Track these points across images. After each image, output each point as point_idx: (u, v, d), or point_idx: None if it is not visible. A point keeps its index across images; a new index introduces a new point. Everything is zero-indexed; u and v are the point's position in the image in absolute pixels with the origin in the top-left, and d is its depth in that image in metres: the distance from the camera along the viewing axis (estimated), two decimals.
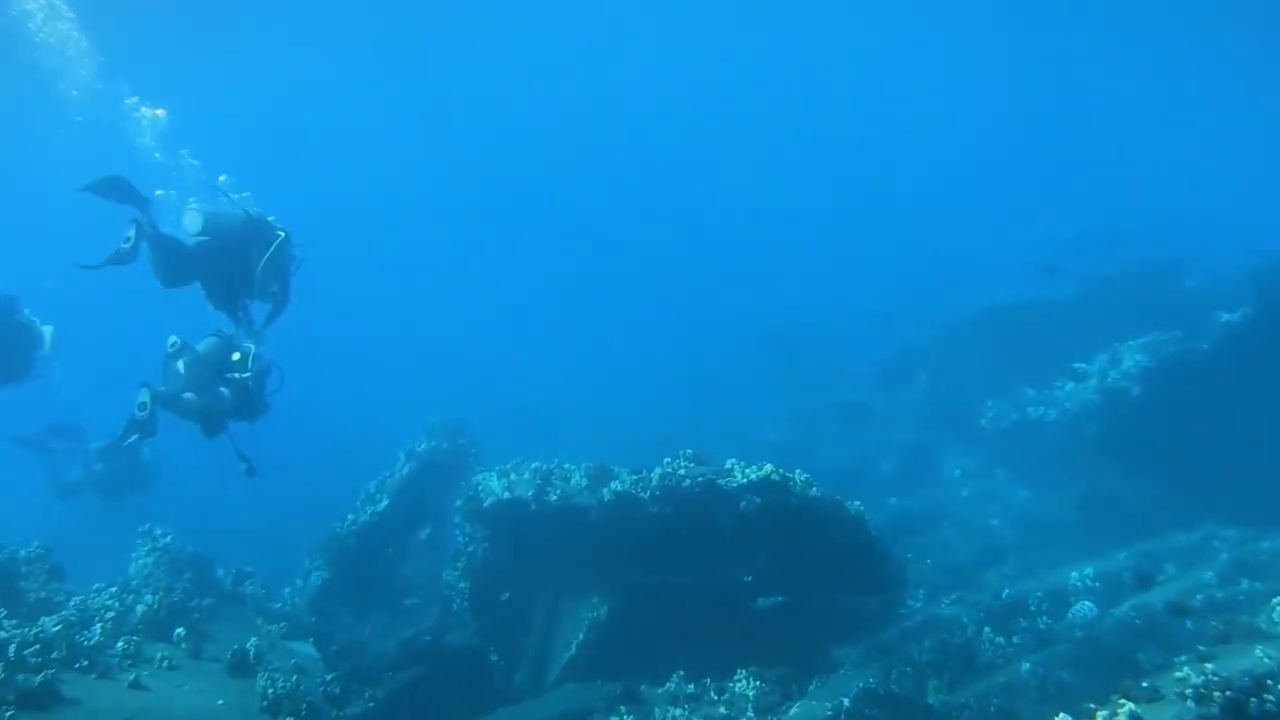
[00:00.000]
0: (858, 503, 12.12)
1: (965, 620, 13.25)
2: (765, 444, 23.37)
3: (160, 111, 12.21)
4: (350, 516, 16.61)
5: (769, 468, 11.73)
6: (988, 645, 12.73)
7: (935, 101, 59.94)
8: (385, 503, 16.50)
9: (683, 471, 11.84)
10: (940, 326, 24.91)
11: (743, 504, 11.60)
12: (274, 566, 17.53)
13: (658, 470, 11.98)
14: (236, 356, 9.92)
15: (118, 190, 9.58)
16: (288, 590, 16.22)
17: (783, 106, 63.02)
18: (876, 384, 26.14)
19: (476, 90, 56.96)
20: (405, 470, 16.83)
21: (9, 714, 7.69)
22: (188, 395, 9.65)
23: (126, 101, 12.43)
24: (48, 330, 12.00)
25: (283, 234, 9.82)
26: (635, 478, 12.06)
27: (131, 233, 9.31)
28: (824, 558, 12.05)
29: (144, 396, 9.30)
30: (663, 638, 11.97)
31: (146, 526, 13.91)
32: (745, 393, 28.62)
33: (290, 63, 46.25)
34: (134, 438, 9.63)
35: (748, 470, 11.75)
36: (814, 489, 11.78)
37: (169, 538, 13.66)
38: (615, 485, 12.02)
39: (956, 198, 51.22)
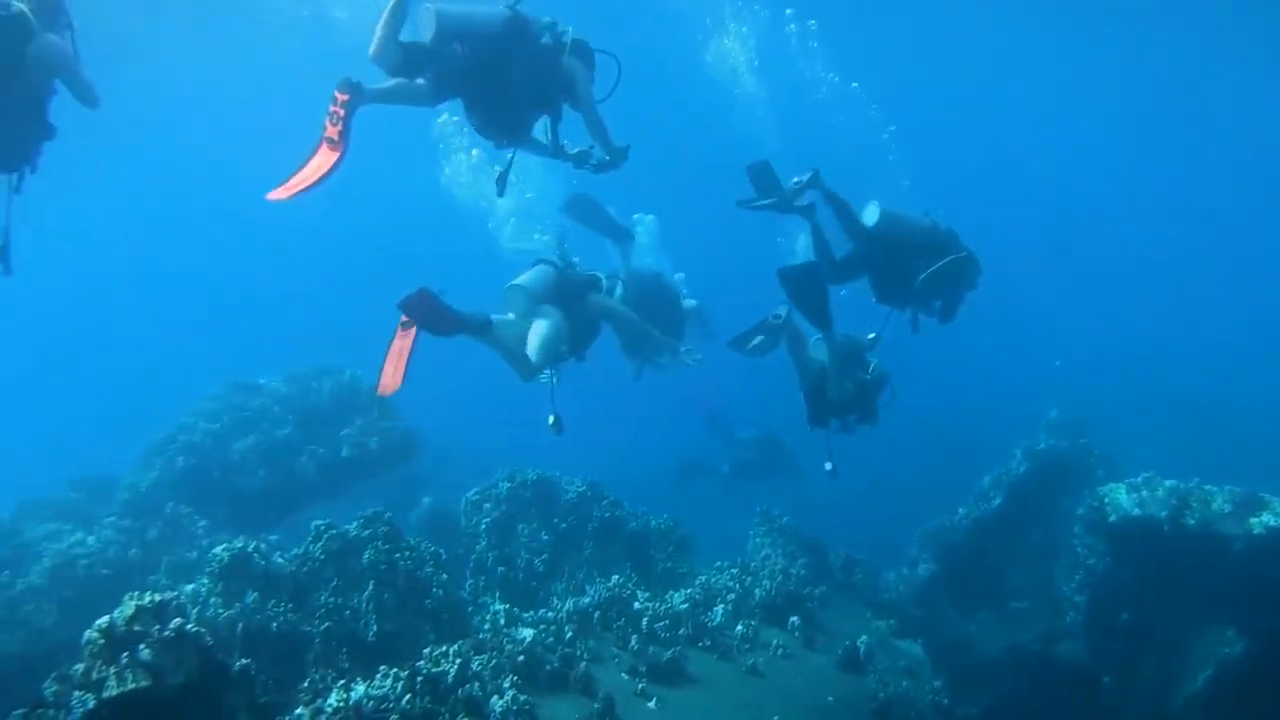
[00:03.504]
0: None
1: None
2: None
3: None
4: (962, 511, 16.57)
5: None
6: None
7: None
8: (999, 500, 16.18)
9: None
10: None
11: None
12: (874, 548, 17.96)
13: None
14: (865, 334, 10.09)
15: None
16: (892, 576, 16.48)
17: None
18: None
19: None
20: (1021, 469, 16.34)
21: (640, 685, 8.19)
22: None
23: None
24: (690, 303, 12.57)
25: (963, 254, 9.73)
26: None
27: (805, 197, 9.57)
28: None
29: (782, 310, 9.43)
30: None
31: (764, 507, 14.37)
32: None
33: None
34: (758, 339, 9.66)
35: None
36: None
37: (786, 518, 14.08)
38: (1267, 518, 10.97)
39: None
